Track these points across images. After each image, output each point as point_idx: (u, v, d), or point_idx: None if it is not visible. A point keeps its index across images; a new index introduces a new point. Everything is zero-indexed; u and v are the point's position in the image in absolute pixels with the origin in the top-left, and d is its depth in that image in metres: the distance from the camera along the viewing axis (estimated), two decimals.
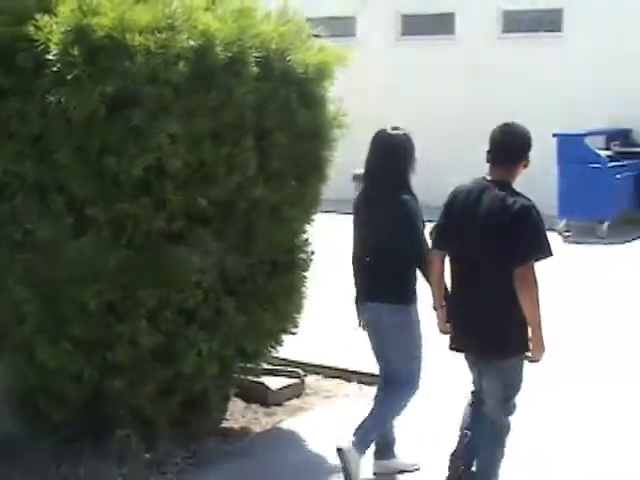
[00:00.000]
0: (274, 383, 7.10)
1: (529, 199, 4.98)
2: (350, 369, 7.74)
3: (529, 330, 4.92)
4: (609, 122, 15.51)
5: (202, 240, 5.57)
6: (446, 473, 5.26)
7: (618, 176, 14.73)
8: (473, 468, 5.25)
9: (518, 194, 5.01)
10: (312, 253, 6.47)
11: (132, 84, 5.11)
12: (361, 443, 5.51)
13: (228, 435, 6.41)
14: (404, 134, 5.72)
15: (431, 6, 17.55)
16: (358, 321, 5.83)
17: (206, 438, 6.17)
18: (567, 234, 14.37)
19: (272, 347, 6.49)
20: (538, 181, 15.01)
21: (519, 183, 5.14)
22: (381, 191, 5.63)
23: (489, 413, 5.14)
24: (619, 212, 14.81)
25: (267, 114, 5.76)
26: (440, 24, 17.64)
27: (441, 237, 5.24)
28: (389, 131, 5.71)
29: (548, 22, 16.69)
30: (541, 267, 4.86)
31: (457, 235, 5.12)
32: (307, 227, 6.45)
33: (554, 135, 14.57)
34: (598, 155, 14.73)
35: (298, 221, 6.32)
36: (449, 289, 5.27)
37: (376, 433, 5.69)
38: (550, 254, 4.88)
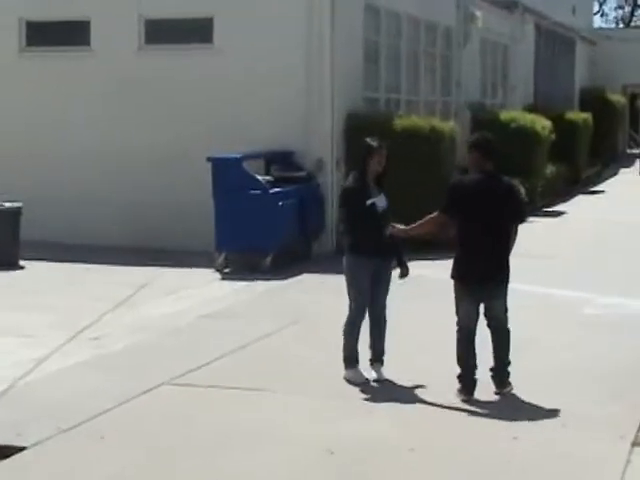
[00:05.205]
0: None
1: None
2: None
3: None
4: (269, 143, 12.88)
5: None
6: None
7: (280, 203, 12.13)
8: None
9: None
10: None
11: None
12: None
13: None
14: None
15: (59, 12, 13.69)
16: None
17: None
18: (226, 270, 11.99)
19: None
20: (191, 211, 12.26)
21: None
22: None
23: (501, 324, 6.96)
24: (284, 243, 12.29)
25: None
26: (72, 33, 14.02)
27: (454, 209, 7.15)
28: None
29: (197, 32, 13.72)
30: None
31: (477, 207, 6.96)
32: None
33: (208, 159, 11.98)
34: (257, 180, 12.23)
35: None
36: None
37: None
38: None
